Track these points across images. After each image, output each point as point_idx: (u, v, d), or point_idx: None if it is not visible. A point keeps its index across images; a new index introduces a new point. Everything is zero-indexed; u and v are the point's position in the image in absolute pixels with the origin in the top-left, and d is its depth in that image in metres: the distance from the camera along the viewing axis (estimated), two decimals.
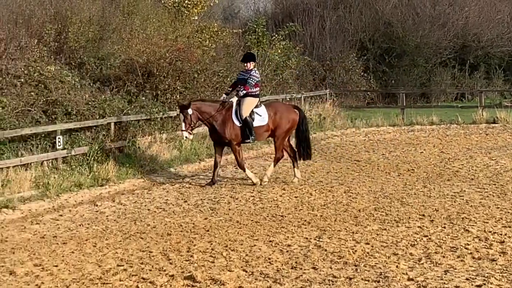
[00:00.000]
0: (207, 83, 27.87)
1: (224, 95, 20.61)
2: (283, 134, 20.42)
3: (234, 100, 19.94)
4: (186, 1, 34.78)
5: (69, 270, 11.81)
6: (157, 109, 24.38)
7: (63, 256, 12.78)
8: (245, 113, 19.73)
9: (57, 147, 20.30)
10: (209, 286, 10.73)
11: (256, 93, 20.09)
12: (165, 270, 11.68)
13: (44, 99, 21.48)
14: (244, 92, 19.76)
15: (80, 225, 15.51)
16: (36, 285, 11.02)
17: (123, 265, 12.03)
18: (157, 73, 25.99)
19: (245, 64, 20.33)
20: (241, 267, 11.77)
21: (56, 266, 12.08)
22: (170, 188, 19.69)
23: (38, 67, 22.87)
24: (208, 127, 20.26)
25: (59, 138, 20.39)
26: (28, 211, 17.19)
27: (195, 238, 13.85)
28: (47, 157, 19.93)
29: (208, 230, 14.58)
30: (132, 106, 24.14)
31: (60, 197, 18.44)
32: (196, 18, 35.11)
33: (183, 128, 19.44)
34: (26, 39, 26.06)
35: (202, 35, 33.05)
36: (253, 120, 19.89)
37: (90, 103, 22.58)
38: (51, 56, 25.86)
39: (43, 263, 12.29)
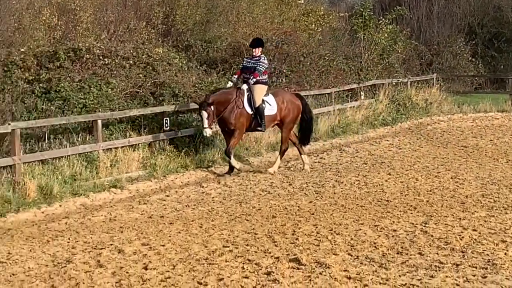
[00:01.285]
0: (312, 66, 27.83)
1: (230, 83, 20.14)
2: (291, 125, 20.20)
3: (245, 87, 19.39)
4: None
5: (175, 250, 11.95)
6: None
7: (169, 236, 12.95)
8: (259, 101, 19.30)
9: (164, 128, 20.53)
10: (314, 269, 10.71)
11: (265, 80, 19.67)
12: (270, 252, 11.71)
13: (152, 81, 21.77)
14: (254, 80, 19.18)
15: (186, 206, 15.70)
16: (144, 263, 11.19)
17: (228, 246, 12.11)
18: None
19: (253, 50, 19.74)
20: (346, 251, 11.73)
21: (163, 245, 12.24)
22: (276, 171, 19.72)
23: (146, 49, 23.18)
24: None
25: (166, 119, 20.61)
26: (135, 191, 17.50)
27: (300, 221, 13.86)
28: (155, 138, 20.17)
29: (313, 214, 14.58)
30: None
31: (166, 178, 18.72)
32: (302, 1, 35.10)
33: (206, 125, 18.73)
34: (134, 22, 26.45)
35: (308, 18, 33.02)
36: (264, 109, 19.45)
37: (197, 85, 22.76)
38: (159, 39, 26.21)
39: (150, 243, 12.47)
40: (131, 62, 22.04)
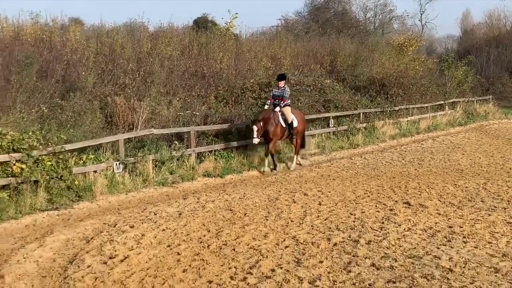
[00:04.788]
0: (416, 90, 27.08)
1: (266, 106, 16.38)
2: (303, 133, 16.87)
3: (278, 109, 15.88)
4: (405, 43, 34.06)
5: (336, 194, 11.94)
6: (387, 105, 23.96)
7: (333, 186, 12.93)
8: (290, 118, 16.09)
9: (330, 125, 20.45)
10: (418, 208, 10.49)
11: (289, 103, 16.27)
12: (391, 198, 11.52)
13: (323, 99, 21.69)
14: (283, 104, 15.96)
15: (342, 170, 15.57)
16: (319, 202, 11.24)
17: (367, 194, 11.99)
18: (388, 84, 25.56)
19: (279, 82, 16.22)
20: (437, 198, 11.40)
21: (329, 192, 12.26)
22: (394, 151, 19.25)
23: (320, 81, 23.17)
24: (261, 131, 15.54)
25: (331, 120, 20.54)
26: (313, 161, 17.54)
27: (409, 180, 13.50)
28: (324, 131, 20.11)
29: (417, 176, 14.16)
30: (372, 103, 23.88)
31: (331, 153, 18.65)
32: (410, 53, 34.21)
33: (255, 136, 15.18)
34: (313, 65, 26.54)
35: (414, 62, 32.09)
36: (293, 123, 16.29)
37: (348, 101, 22.54)
38: (327, 74, 26.14)
39: (322, 190, 12.49)
40: (311, 87, 22.09)
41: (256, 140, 15.30)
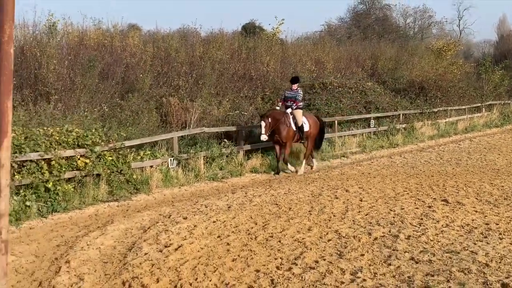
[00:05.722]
0: (454, 93, 26.61)
1: (277, 107, 15.06)
2: (314, 137, 15.50)
3: (289, 110, 14.76)
4: (444, 47, 33.44)
5: (377, 191, 11.83)
6: (426, 107, 23.62)
7: (373, 184, 12.82)
8: (300, 121, 14.83)
9: (371, 126, 20.27)
10: (456, 205, 10.29)
11: (301, 106, 15.13)
12: (430, 195, 11.34)
13: (364, 100, 21.51)
14: (295, 106, 14.81)
15: (382, 168, 15.41)
16: (360, 198, 11.16)
17: (406, 191, 11.84)
18: (427, 87, 25.21)
19: (292, 85, 15.02)
20: (474, 196, 11.16)
21: (370, 189, 12.16)
22: (432, 151, 18.92)
23: (361, 83, 22.97)
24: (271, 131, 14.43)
25: (372, 121, 20.35)
26: (354, 159, 17.41)
27: (447, 179, 13.27)
28: (365, 131, 19.95)
29: (454, 175, 13.90)
30: (412, 105, 23.56)
31: (371, 152, 18.47)
32: (449, 57, 33.53)
33: (263, 132, 14.10)
34: (355, 68, 26.32)
35: (453, 66, 31.42)
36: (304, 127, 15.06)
37: (388, 102, 22.30)
38: (368, 77, 25.88)
39: (363, 187, 12.40)
40: (353, 89, 21.90)
41: (264, 137, 14.18)
